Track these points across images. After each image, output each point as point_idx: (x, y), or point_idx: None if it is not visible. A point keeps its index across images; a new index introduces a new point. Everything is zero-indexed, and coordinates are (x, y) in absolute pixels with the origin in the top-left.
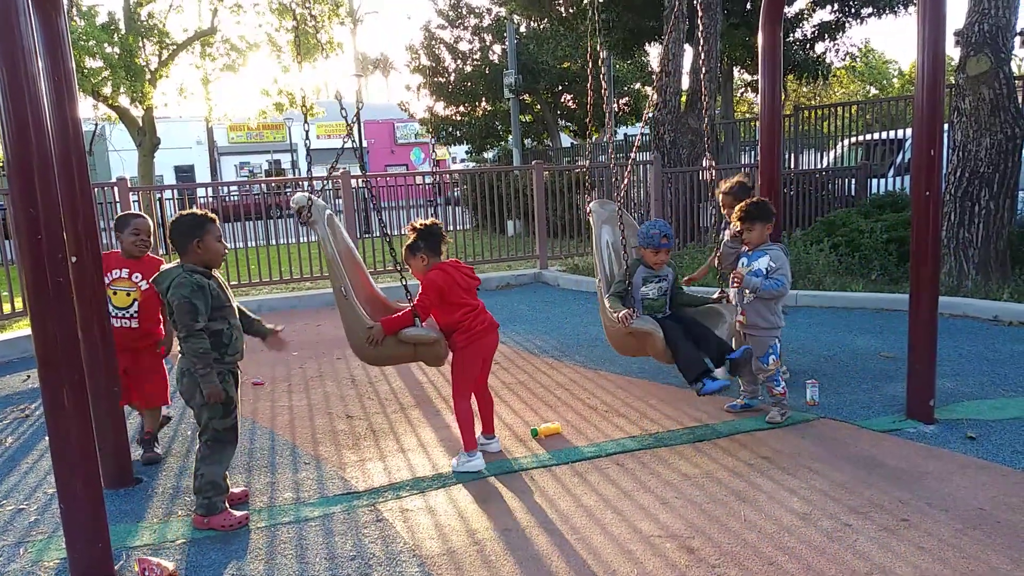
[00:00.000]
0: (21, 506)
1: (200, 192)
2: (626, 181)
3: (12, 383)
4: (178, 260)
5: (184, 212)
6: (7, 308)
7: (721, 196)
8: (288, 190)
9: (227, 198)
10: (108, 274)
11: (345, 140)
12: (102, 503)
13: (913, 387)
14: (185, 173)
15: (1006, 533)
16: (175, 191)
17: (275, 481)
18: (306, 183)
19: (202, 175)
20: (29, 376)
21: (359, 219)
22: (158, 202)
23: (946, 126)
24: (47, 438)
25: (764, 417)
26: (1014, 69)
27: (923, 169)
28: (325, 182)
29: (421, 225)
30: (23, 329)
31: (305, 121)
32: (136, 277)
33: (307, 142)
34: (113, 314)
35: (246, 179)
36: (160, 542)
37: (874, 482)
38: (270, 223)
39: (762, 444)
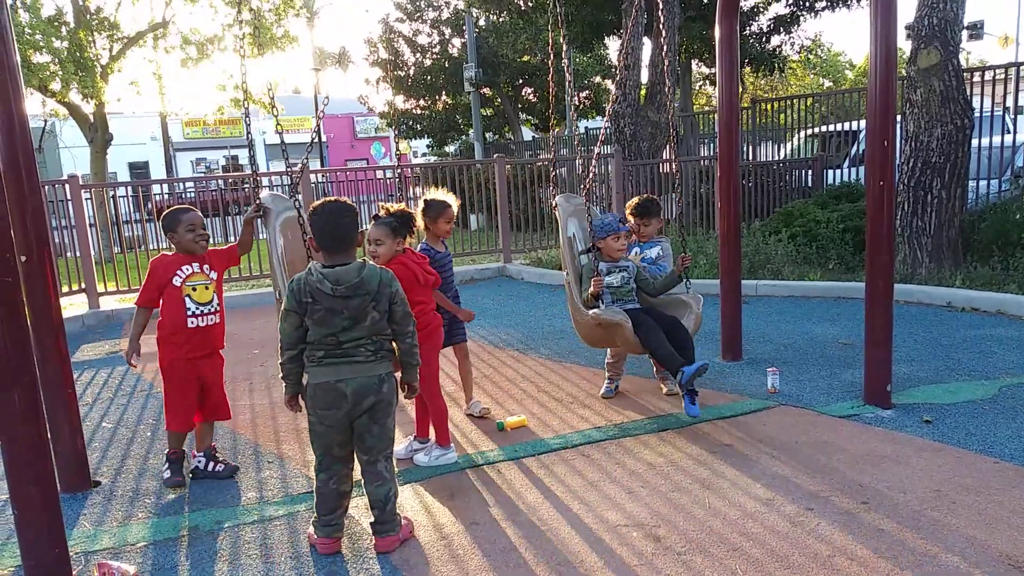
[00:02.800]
0: None
1: (156, 189)
2: (591, 175)
3: None
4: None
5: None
6: None
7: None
8: (246, 186)
9: (183, 195)
10: (177, 274)
11: (313, 135)
12: (58, 506)
13: (870, 373)
14: (139, 170)
15: (961, 513)
16: (129, 188)
17: (238, 481)
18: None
19: (157, 172)
20: None
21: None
22: (111, 200)
23: (899, 117)
24: None
25: (724, 406)
26: (962, 62)
27: (877, 160)
28: (284, 177)
29: (399, 210)
30: None
31: (275, 115)
32: (206, 269)
33: (279, 131)
34: (195, 312)
35: (202, 175)
36: (120, 546)
37: (834, 467)
38: (228, 220)
39: (724, 432)
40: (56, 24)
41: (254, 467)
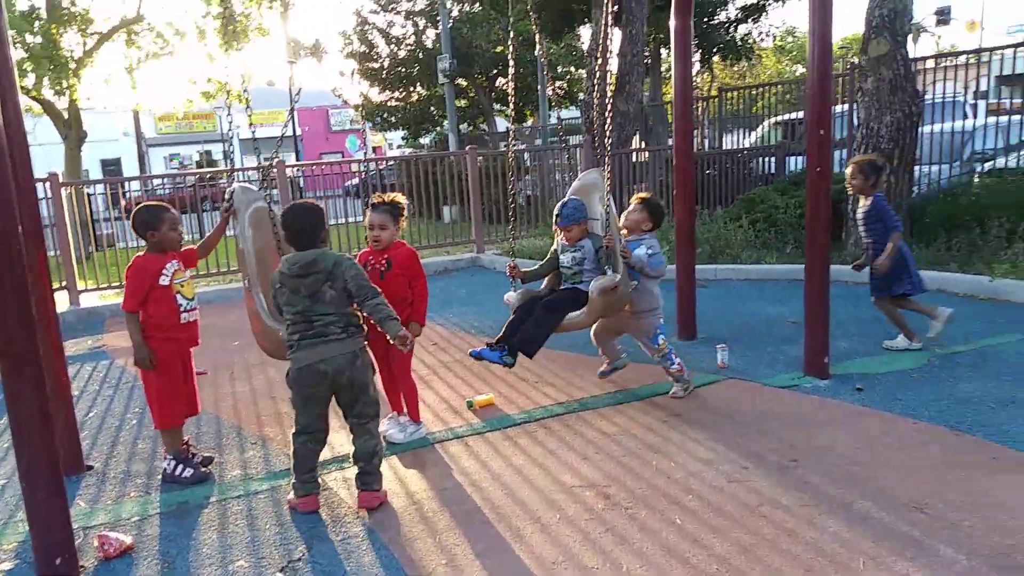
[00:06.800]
0: None
1: (134, 186)
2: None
3: None
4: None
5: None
6: None
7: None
8: (223, 181)
9: (155, 192)
10: (163, 273)
11: (284, 129)
12: (62, 485)
13: (810, 346)
14: (112, 167)
15: (879, 466)
16: (107, 185)
17: (223, 461)
18: (241, 174)
19: (130, 168)
20: None
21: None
22: (87, 197)
23: (843, 106)
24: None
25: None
26: (932, 48)
27: (815, 147)
28: (259, 172)
29: (393, 199)
30: None
31: (247, 106)
32: (182, 266)
33: (251, 127)
34: (186, 308)
35: (177, 171)
36: (116, 521)
37: (771, 431)
38: (204, 216)
39: (676, 403)
40: (31, 19)
41: (238, 448)
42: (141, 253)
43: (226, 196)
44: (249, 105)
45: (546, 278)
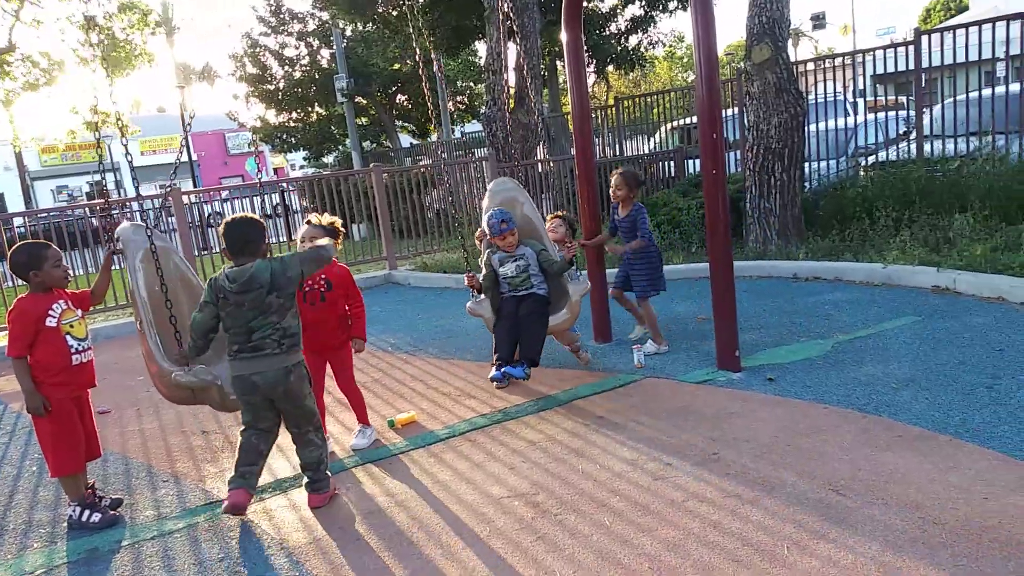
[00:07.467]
0: None
1: (17, 222)
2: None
3: None
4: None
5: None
6: None
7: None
8: (116, 211)
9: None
10: (49, 314)
11: (179, 155)
12: None
13: (720, 341)
14: None
15: (794, 452)
16: None
17: (134, 502)
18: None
19: (14, 203)
20: None
21: (196, 235)
22: None
23: (733, 110)
24: None
25: (596, 383)
26: (810, 51)
27: (708, 151)
28: (155, 200)
29: (330, 222)
30: None
31: (124, 140)
32: (71, 304)
33: (128, 157)
34: (76, 348)
35: (66, 203)
36: (19, 575)
37: (690, 426)
38: (98, 248)
39: (596, 406)
40: None
41: (149, 487)
42: (24, 295)
43: (115, 236)
44: (123, 136)
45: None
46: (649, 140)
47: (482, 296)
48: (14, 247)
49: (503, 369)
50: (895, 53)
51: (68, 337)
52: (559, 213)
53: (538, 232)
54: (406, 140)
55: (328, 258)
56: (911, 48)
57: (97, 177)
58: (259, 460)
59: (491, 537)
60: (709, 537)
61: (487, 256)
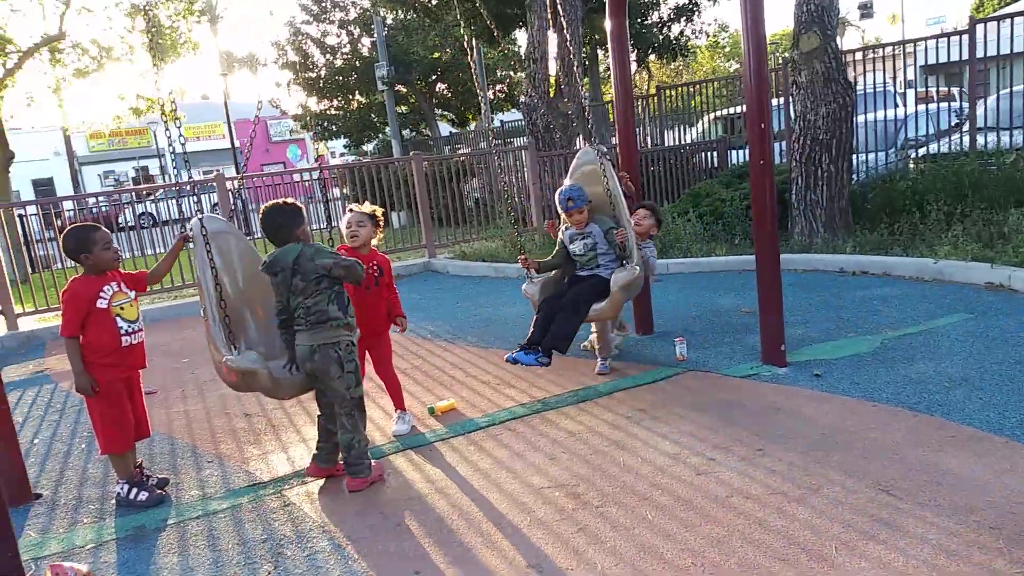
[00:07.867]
0: None
1: (67, 205)
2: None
3: None
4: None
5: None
6: None
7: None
8: (162, 195)
9: (92, 210)
10: (100, 296)
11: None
12: (7, 515)
13: (766, 335)
14: (44, 187)
15: (842, 450)
16: (39, 206)
17: (179, 482)
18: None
19: (63, 187)
20: None
21: (238, 221)
22: (19, 219)
23: (778, 100)
24: None
25: (638, 375)
26: (857, 40)
27: (756, 141)
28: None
29: (372, 210)
30: None
31: (166, 128)
32: (123, 287)
33: (183, 141)
34: (127, 331)
35: (113, 188)
36: (69, 549)
37: (734, 421)
38: (143, 233)
39: (638, 398)
40: None
41: (194, 468)
42: (77, 276)
43: (189, 227)
44: (176, 120)
45: (557, 269)
46: (691, 130)
47: (538, 277)
48: (64, 232)
49: (515, 354)
50: (948, 42)
51: (118, 319)
52: (647, 203)
53: (614, 209)
54: (445, 128)
55: (356, 279)
56: (964, 37)
57: (143, 163)
58: (330, 437)
59: (531, 527)
60: (754, 535)
61: (561, 232)
